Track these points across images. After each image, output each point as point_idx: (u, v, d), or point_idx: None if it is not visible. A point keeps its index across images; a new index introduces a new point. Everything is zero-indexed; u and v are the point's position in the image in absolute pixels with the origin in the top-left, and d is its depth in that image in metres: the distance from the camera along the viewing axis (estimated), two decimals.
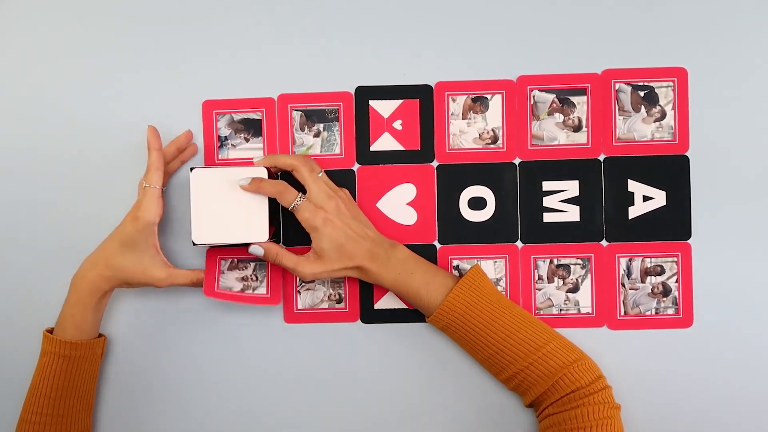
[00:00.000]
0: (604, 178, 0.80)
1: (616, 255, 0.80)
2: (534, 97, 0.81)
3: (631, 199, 0.80)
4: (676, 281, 0.80)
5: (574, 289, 0.81)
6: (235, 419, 0.82)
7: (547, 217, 0.81)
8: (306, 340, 0.82)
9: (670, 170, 0.80)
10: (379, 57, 0.81)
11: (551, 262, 0.81)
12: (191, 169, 0.75)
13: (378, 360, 0.82)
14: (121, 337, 0.83)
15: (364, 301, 0.82)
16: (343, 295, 0.82)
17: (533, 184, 0.81)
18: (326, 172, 0.79)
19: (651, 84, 0.80)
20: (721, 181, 0.80)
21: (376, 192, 0.81)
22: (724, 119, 0.80)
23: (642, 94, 0.80)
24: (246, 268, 0.80)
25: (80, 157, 0.82)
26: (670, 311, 0.80)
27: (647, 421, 0.80)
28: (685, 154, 0.80)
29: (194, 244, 0.75)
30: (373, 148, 0.81)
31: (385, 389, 0.81)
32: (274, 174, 0.79)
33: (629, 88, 0.80)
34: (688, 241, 0.80)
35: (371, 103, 0.81)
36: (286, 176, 0.78)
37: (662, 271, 0.80)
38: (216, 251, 0.79)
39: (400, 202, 0.81)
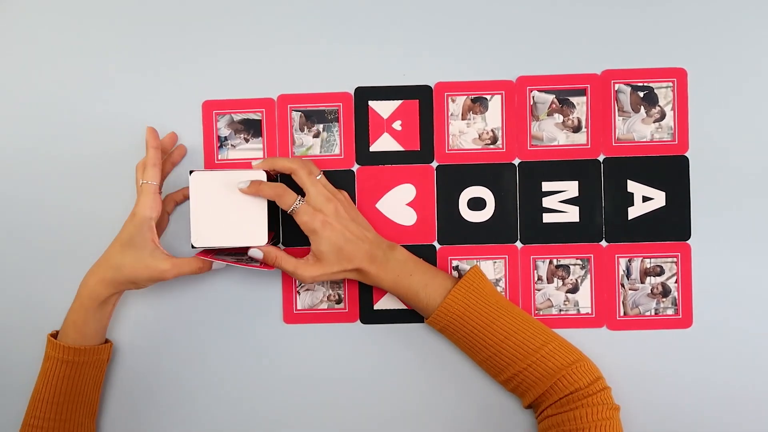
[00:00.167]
0: (603, 178, 0.80)
1: (616, 255, 0.80)
2: (533, 97, 0.81)
3: (630, 200, 0.80)
4: (676, 282, 0.80)
5: (574, 289, 0.81)
6: (235, 419, 0.82)
7: (547, 218, 0.81)
8: (305, 341, 0.82)
9: (670, 171, 0.80)
10: (379, 57, 0.81)
11: (551, 262, 0.81)
12: (190, 171, 0.75)
13: (377, 360, 0.82)
14: (128, 343, 0.83)
15: (364, 301, 0.82)
16: (342, 296, 0.82)
17: (533, 184, 0.81)
18: (325, 172, 0.79)
19: (650, 84, 0.80)
20: (720, 181, 0.80)
21: (376, 192, 0.81)
22: (724, 119, 0.80)
23: (641, 94, 0.80)
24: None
25: (80, 157, 0.82)
26: (670, 312, 0.80)
27: (647, 422, 0.80)
28: (685, 154, 0.80)
29: (193, 247, 0.75)
30: (372, 148, 0.81)
31: (385, 390, 0.81)
32: (273, 177, 0.79)
33: (629, 89, 0.80)
34: (688, 242, 0.80)
35: (371, 103, 0.81)
36: (285, 179, 0.78)
37: (662, 272, 0.80)
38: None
39: (399, 203, 0.81)
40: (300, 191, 0.75)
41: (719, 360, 0.80)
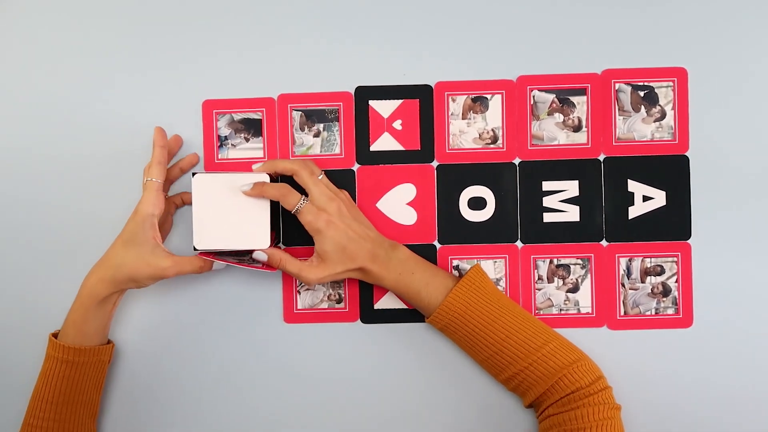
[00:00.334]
0: (604, 178, 0.80)
1: (616, 255, 0.80)
2: (534, 97, 0.81)
3: (630, 199, 0.80)
4: (676, 281, 0.80)
5: (574, 289, 0.81)
6: (236, 419, 0.82)
7: (547, 217, 0.81)
8: (306, 340, 0.82)
9: (670, 170, 0.80)
10: (379, 57, 0.81)
11: (551, 262, 0.81)
12: (193, 174, 0.75)
13: (378, 360, 0.82)
14: (128, 343, 0.82)
15: (364, 301, 0.82)
16: (342, 295, 0.82)
17: (533, 184, 0.81)
18: (326, 172, 0.79)
19: (651, 84, 0.80)
20: (721, 181, 0.80)
21: (376, 192, 0.81)
22: (724, 119, 0.80)
23: (642, 94, 0.80)
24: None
25: (80, 157, 0.82)
26: (670, 311, 0.80)
27: (647, 422, 0.80)
28: (685, 154, 0.80)
29: (195, 249, 0.75)
30: (373, 148, 0.81)
31: (385, 389, 0.81)
32: (273, 179, 0.79)
33: (629, 88, 0.80)
34: (688, 241, 0.80)
35: (371, 103, 0.81)
36: (286, 180, 0.78)
37: (662, 271, 0.80)
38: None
39: (400, 202, 0.81)
40: (301, 192, 0.75)
41: (719, 360, 0.80)
